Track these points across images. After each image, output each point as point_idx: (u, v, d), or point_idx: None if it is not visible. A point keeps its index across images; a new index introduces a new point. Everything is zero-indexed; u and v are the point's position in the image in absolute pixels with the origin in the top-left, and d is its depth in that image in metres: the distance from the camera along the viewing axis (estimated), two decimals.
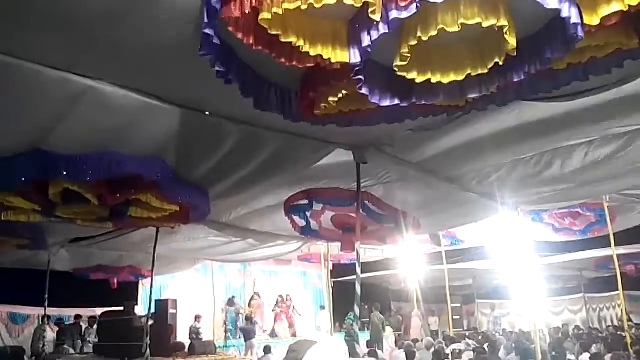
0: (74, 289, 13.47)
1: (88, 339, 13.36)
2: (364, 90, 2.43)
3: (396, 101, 2.53)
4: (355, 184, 5.26)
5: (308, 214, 6.97)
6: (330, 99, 2.72)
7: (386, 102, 2.51)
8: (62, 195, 4.29)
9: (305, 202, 6.64)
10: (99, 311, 12.18)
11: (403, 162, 5.34)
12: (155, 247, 7.72)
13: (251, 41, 2.21)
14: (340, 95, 2.69)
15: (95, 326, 13.15)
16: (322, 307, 17.35)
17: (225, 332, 14.46)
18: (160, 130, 3.91)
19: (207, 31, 2.13)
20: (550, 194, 6.79)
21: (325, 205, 6.69)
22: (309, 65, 2.34)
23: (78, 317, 14.23)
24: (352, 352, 8.42)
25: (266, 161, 4.62)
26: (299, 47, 2.15)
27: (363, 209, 5.34)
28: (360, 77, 2.31)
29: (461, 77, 2.52)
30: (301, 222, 7.42)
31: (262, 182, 5.30)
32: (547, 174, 5.89)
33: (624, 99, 3.88)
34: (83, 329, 14.03)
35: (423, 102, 2.63)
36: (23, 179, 3.75)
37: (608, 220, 9.34)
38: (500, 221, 9.69)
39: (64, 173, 3.82)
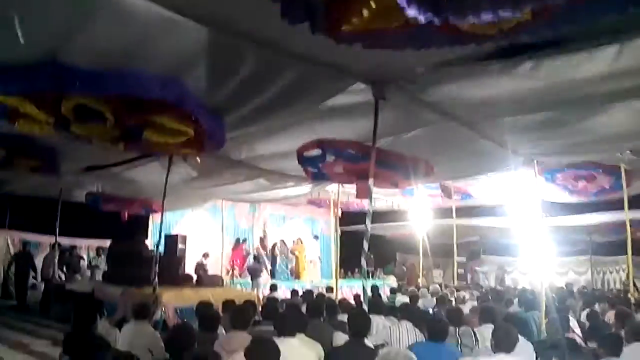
0: (85, 220, 13.73)
1: (99, 266, 13.69)
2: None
3: (428, 15, 2.43)
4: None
5: (320, 165, 6.94)
6: (358, 13, 2.63)
7: (417, 14, 2.40)
8: (76, 111, 4.26)
9: (318, 152, 6.60)
10: (108, 243, 12.38)
11: (422, 102, 5.24)
12: (167, 176, 7.73)
13: None
14: (368, 9, 2.59)
15: (102, 256, 13.51)
16: (316, 237, 17.60)
17: (232, 270, 14.67)
18: (178, 49, 3.82)
19: None
20: (567, 147, 6.72)
21: (337, 158, 6.65)
22: None
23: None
24: None
25: (283, 89, 4.53)
26: None
27: (376, 163, 5.30)
28: None
29: None
30: (314, 170, 7.42)
31: (278, 112, 5.24)
32: (565, 127, 5.81)
33: None
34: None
35: (453, 21, 2.53)
36: (37, 88, 3.70)
37: (624, 183, 9.22)
38: (513, 178, 9.67)
39: (79, 87, 3.78)
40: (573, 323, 6.50)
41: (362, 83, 4.78)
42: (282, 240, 16.76)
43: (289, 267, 15.92)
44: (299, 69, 4.24)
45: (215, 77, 4.23)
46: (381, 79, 4.73)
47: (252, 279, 13.61)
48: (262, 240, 16.73)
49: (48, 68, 3.73)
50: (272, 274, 15.24)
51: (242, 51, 3.90)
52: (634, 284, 10.55)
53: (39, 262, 13.31)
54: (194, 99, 4.31)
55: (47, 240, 14.12)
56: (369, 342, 4.36)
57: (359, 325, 4.24)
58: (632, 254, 9.33)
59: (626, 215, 9.36)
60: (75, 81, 3.81)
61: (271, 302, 6.97)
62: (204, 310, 5.68)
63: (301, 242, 16.76)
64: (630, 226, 9.35)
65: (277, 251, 16.08)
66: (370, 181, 5.17)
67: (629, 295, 9.16)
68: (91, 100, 4.16)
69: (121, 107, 4.34)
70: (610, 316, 6.49)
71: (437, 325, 4.56)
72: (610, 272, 17.27)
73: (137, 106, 4.33)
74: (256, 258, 14.67)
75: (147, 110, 4.38)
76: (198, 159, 7.40)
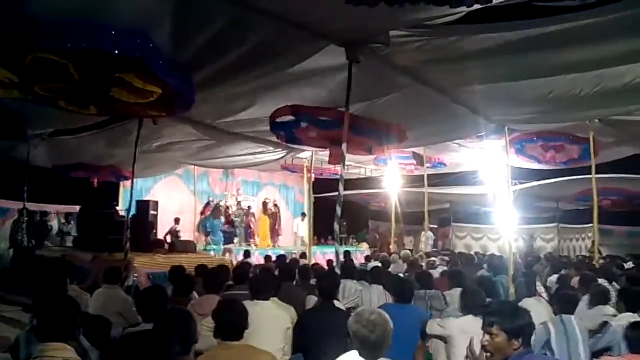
0: (54, 185, 13.40)
1: (69, 232, 13.44)
2: None
3: None
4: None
5: (293, 130, 6.86)
6: None
7: None
8: (40, 68, 4.09)
9: (291, 118, 6.51)
10: (78, 209, 12.16)
11: (395, 65, 5.21)
12: (137, 140, 7.57)
13: None
14: None
15: (72, 222, 13.26)
16: (303, 214, 17.12)
17: (206, 235, 14.59)
18: (144, 1, 3.71)
19: None
20: (537, 114, 6.79)
21: (310, 125, 6.58)
22: None
23: None
24: None
25: (254, 50, 4.44)
26: None
27: (350, 128, 5.25)
28: None
29: None
30: (286, 135, 7.35)
31: (249, 74, 5.14)
32: (535, 94, 5.86)
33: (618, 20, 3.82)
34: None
35: None
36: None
37: (592, 151, 9.32)
38: (485, 146, 9.76)
39: (44, 39, 3.63)
40: (539, 287, 6.66)
41: (336, 45, 4.71)
42: (239, 203, 16.55)
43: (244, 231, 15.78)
44: (270, 28, 4.15)
45: (183, 33, 4.12)
46: (355, 41, 4.66)
47: (224, 244, 13.57)
48: (238, 206, 16.60)
49: (14, 17, 3.57)
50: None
51: (211, 6, 3.79)
52: (599, 251, 10.83)
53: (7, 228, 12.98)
54: (161, 55, 4.18)
55: (14, 205, 13.78)
56: (339, 304, 4.40)
57: (327, 287, 4.26)
58: (598, 222, 9.52)
59: (593, 182, 9.49)
60: (40, 32, 3.66)
61: (244, 267, 6.95)
62: (177, 274, 5.63)
63: (265, 207, 16.55)
64: (598, 194, 9.54)
65: (231, 213, 15.85)
66: (344, 146, 5.15)
67: (594, 262, 9.39)
68: (55, 54, 4.00)
69: (86, 62, 4.18)
70: (575, 281, 6.66)
71: (402, 287, 4.64)
72: (577, 240, 17.72)
73: (102, 61, 4.18)
74: (230, 223, 14.59)
75: (112, 66, 4.22)
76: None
